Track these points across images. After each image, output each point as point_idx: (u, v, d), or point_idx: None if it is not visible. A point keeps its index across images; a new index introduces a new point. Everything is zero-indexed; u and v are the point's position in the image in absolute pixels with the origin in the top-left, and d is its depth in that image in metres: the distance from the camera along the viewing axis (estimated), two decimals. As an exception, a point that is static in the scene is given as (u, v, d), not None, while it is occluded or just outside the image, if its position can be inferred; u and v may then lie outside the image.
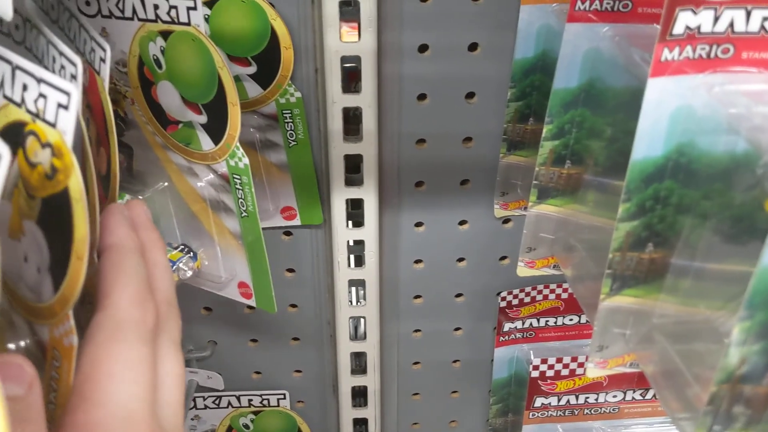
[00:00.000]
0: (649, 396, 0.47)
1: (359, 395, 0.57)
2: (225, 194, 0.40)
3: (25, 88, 0.22)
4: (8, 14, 0.19)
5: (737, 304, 0.28)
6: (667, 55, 0.26)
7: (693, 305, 0.31)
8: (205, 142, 0.38)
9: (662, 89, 0.27)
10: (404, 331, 0.55)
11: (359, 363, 0.56)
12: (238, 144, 0.38)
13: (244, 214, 0.40)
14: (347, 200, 0.48)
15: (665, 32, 0.26)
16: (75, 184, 0.21)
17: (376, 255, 0.50)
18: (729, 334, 0.27)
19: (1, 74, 0.22)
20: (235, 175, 0.39)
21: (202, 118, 0.38)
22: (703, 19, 0.26)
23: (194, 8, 0.34)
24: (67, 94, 0.21)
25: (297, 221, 0.50)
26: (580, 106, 0.37)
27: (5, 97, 0.22)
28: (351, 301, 0.52)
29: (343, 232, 0.49)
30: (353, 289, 0.53)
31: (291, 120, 0.46)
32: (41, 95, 0.21)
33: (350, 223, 0.50)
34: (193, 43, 0.35)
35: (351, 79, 0.45)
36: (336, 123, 0.45)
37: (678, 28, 0.26)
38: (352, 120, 0.46)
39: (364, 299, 0.52)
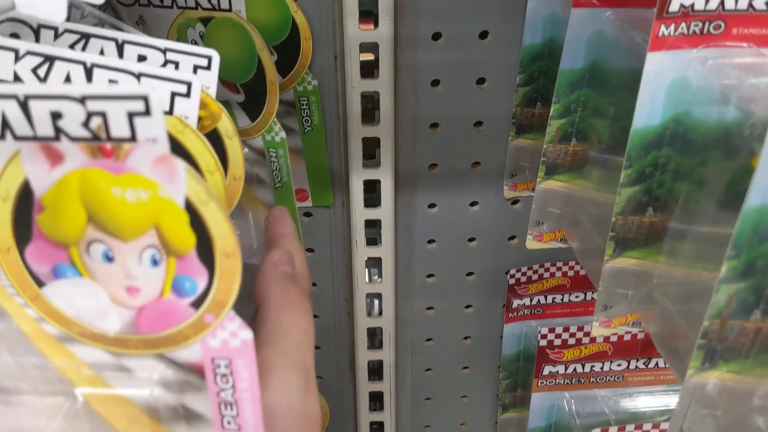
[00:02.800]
0: (651, 365, 0.49)
1: (375, 372, 0.60)
2: (259, 167, 0.43)
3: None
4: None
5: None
6: (664, 31, 0.29)
7: (690, 267, 0.33)
8: (242, 119, 0.41)
9: (659, 63, 0.30)
10: (418, 309, 0.58)
11: (374, 339, 0.59)
12: (275, 119, 0.40)
13: (278, 185, 0.43)
14: (364, 182, 0.51)
15: (662, 10, 0.28)
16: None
17: (392, 234, 0.53)
18: (713, 286, 0.30)
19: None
20: (270, 149, 0.41)
21: (240, 97, 0.41)
22: (696, -2, 0.28)
23: None
24: (208, 57, 0.25)
25: (309, 203, 0.53)
26: (585, 86, 0.40)
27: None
28: (368, 279, 0.55)
29: (362, 212, 0.51)
30: (368, 268, 0.56)
31: (307, 107, 0.49)
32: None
33: (365, 205, 0.52)
34: (233, 28, 0.38)
35: (366, 71, 0.47)
36: (355, 107, 0.48)
37: (673, 6, 0.28)
38: (366, 110, 0.49)
39: (380, 277, 0.55)
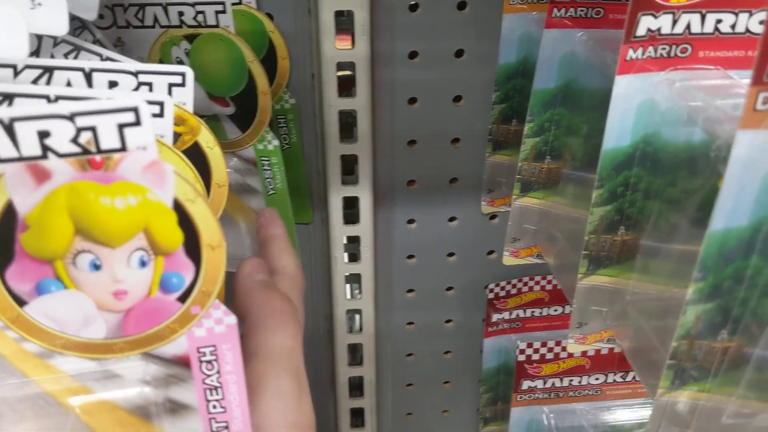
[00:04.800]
0: (629, 378, 0.50)
1: (355, 387, 0.60)
2: (250, 177, 0.43)
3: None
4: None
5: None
6: (632, 54, 0.30)
7: (662, 284, 0.34)
8: (231, 131, 0.42)
9: (628, 85, 0.30)
10: (398, 324, 0.58)
11: (355, 355, 0.59)
12: (267, 128, 0.41)
13: (272, 192, 0.43)
14: (343, 198, 0.51)
15: (629, 34, 0.29)
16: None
17: (371, 250, 0.53)
18: (681, 308, 0.30)
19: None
20: (263, 158, 0.42)
21: (229, 110, 0.41)
22: (663, 22, 0.29)
23: (223, 12, 0.37)
24: (182, 74, 0.26)
25: (287, 221, 0.53)
26: (558, 105, 0.41)
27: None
28: (347, 295, 0.55)
29: (340, 229, 0.52)
30: (348, 284, 0.56)
31: (285, 125, 0.49)
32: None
33: (344, 221, 0.53)
34: (221, 43, 0.39)
35: (343, 88, 0.48)
36: (333, 126, 0.48)
37: (641, 31, 0.29)
38: (344, 127, 0.49)
39: (361, 293, 0.55)
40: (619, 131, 0.31)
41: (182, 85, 0.27)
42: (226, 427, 0.26)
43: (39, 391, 0.25)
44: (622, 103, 0.31)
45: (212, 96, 0.44)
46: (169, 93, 0.29)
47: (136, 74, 0.27)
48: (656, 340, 0.33)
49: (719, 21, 0.30)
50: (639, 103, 0.31)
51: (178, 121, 0.28)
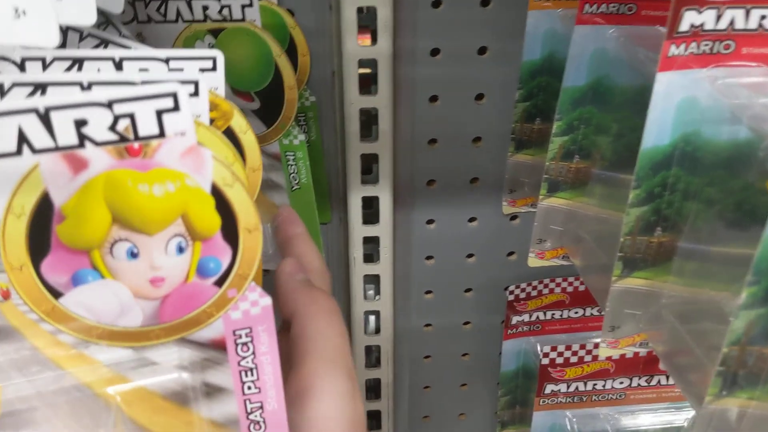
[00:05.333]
0: (654, 382, 0.49)
1: (372, 389, 0.59)
2: (274, 172, 0.43)
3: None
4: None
5: (741, 285, 0.30)
6: (674, 50, 0.29)
7: (699, 286, 0.33)
8: (256, 126, 0.41)
9: (669, 82, 0.29)
10: (416, 326, 0.57)
11: (372, 357, 0.58)
12: (293, 123, 0.41)
13: (296, 187, 0.43)
14: (362, 198, 0.50)
15: (672, 30, 0.28)
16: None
17: (390, 251, 0.52)
18: (733, 313, 0.29)
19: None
20: (288, 152, 0.41)
21: (254, 105, 0.41)
22: (707, 18, 0.28)
23: (250, 5, 0.37)
24: (213, 58, 0.26)
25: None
26: (587, 103, 0.40)
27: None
28: (365, 296, 0.54)
29: (359, 229, 0.51)
30: (366, 284, 0.55)
31: (305, 123, 0.48)
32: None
33: (363, 220, 0.52)
34: (247, 37, 0.38)
35: (363, 85, 0.47)
36: (353, 124, 0.47)
37: (683, 26, 0.28)
38: (364, 125, 0.48)
39: (378, 294, 0.54)
40: (658, 130, 0.30)
41: (213, 69, 0.27)
42: (261, 407, 0.26)
43: (75, 383, 0.24)
44: (662, 101, 0.30)
45: (236, 91, 0.44)
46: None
47: (166, 61, 0.27)
48: (694, 345, 0.32)
49: (763, 17, 0.29)
50: (679, 100, 0.30)
51: (211, 106, 0.28)
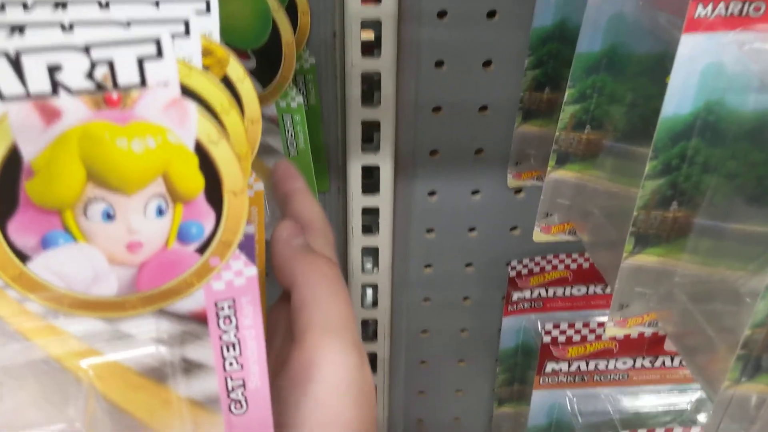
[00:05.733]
0: (658, 363, 0.47)
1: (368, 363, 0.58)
2: (270, 135, 0.41)
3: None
4: None
5: (759, 265, 0.29)
6: (701, 11, 0.27)
7: (715, 265, 0.31)
8: None
9: (694, 45, 0.27)
10: (414, 300, 0.56)
11: (368, 330, 0.56)
12: (291, 84, 0.38)
13: (293, 152, 0.41)
14: (362, 167, 0.48)
15: (700, -12, 0.26)
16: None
17: (390, 222, 0.50)
18: (750, 294, 0.28)
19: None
20: (285, 115, 0.39)
21: (250, 63, 0.39)
22: (738, -24, 0.26)
23: None
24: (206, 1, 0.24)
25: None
26: (602, 71, 0.38)
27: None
28: (363, 268, 0.53)
29: (359, 199, 0.49)
30: (363, 256, 0.53)
31: (304, 86, 0.46)
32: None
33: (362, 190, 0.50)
34: None
35: (366, 51, 0.45)
36: (354, 88, 0.45)
37: (713, -16, 0.26)
38: (365, 91, 0.46)
39: (377, 267, 0.53)
40: (679, 97, 0.28)
41: (207, 11, 0.25)
42: (243, 385, 0.24)
43: (43, 356, 0.22)
44: (685, 66, 0.28)
45: (232, 48, 0.42)
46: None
47: (156, 3, 0.25)
48: (707, 326, 0.31)
49: (798, -23, 0.27)
50: (704, 66, 0.28)
51: (204, 52, 0.26)
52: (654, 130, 0.29)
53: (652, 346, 0.47)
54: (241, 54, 0.42)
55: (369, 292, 0.55)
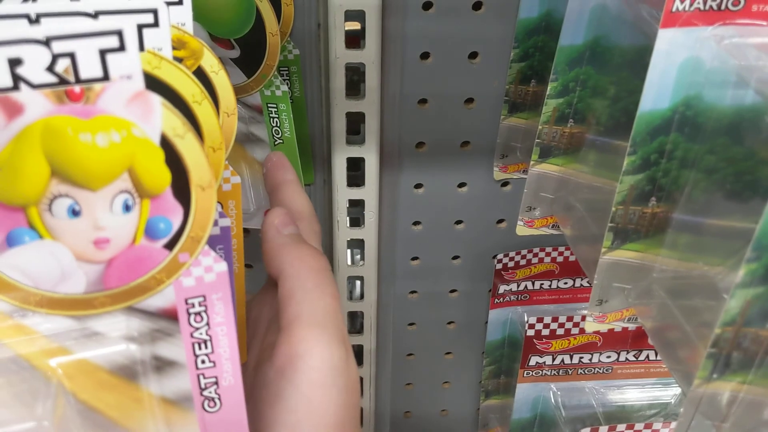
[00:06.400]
0: (642, 357, 0.47)
1: (355, 355, 0.58)
2: (255, 125, 0.41)
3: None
4: None
5: (737, 261, 0.28)
6: (678, 5, 0.26)
7: (693, 260, 0.31)
8: (235, 76, 0.39)
9: (672, 40, 0.27)
10: (400, 293, 0.56)
11: (355, 323, 0.56)
12: (276, 73, 0.38)
13: (279, 141, 0.41)
14: (347, 160, 0.48)
15: (677, -18, 0.26)
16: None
17: (376, 215, 0.50)
18: (727, 289, 0.28)
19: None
20: (270, 104, 0.39)
21: (234, 53, 0.38)
22: (716, -30, 0.26)
23: None
24: None
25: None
26: (585, 64, 0.37)
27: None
28: (349, 261, 0.53)
29: (344, 192, 0.49)
30: (349, 249, 0.53)
31: (288, 78, 0.46)
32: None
33: (348, 183, 0.50)
34: None
35: (350, 43, 0.44)
36: (339, 80, 0.45)
37: (690, -22, 0.26)
38: (350, 83, 0.46)
39: (363, 259, 0.52)
40: (657, 92, 0.28)
41: (179, 2, 0.24)
42: (216, 383, 0.24)
43: (11, 355, 0.22)
44: (663, 61, 0.27)
45: (215, 38, 0.41)
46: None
47: None
48: (685, 322, 0.31)
49: (777, -29, 0.26)
50: (682, 61, 0.28)
51: (178, 44, 0.26)
52: (635, 124, 0.29)
53: (636, 339, 0.47)
54: (225, 43, 0.42)
55: (355, 284, 0.55)
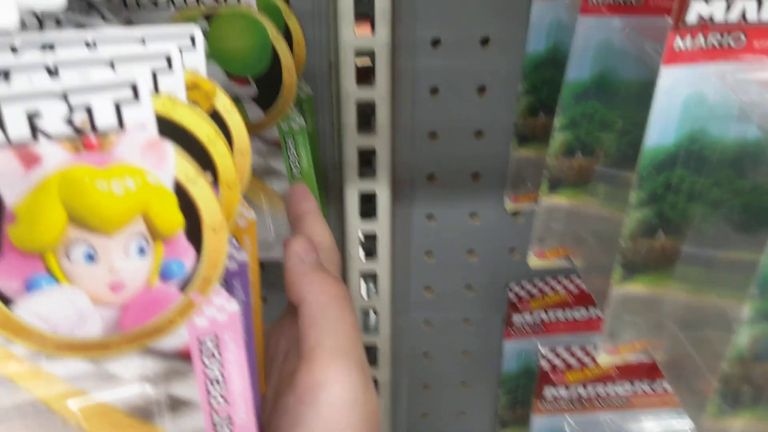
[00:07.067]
0: (658, 388, 0.47)
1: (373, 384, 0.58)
2: (273, 159, 0.42)
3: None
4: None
5: (746, 292, 0.29)
6: (680, 43, 0.27)
7: (703, 293, 0.31)
8: (253, 112, 0.40)
9: (675, 77, 0.28)
10: (414, 323, 0.56)
11: (370, 355, 0.56)
12: (292, 106, 0.40)
13: (297, 173, 0.42)
14: (359, 193, 0.49)
15: (678, 21, 0.26)
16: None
17: (388, 247, 0.51)
18: (739, 321, 0.28)
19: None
20: (287, 138, 0.40)
21: (251, 90, 0.39)
22: (716, 8, 0.26)
23: None
24: (191, 35, 0.24)
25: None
26: (591, 98, 0.38)
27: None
28: (362, 293, 0.53)
29: (356, 224, 0.49)
30: (363, 281, 0.54)
31: (301, 116, 0.47)
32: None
33: (361, 216, 0.50)
34: (243, 20, 0.37)
35: (361, 77, 0.45)
36: (350, 116, 0.46)
37: (691, 17, 0.26)
38: (362, 118, 0.47)
39: (376, 291, 0.53)
40: (662, 128, 0.29)
41: (192, 47, 0.25)
42: (230, 420, 0.24)
43: (29, 399, 0.23)
44: (666, 97, 0.28)
45: (232, 76, 0.43)
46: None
47: (142, 40, 0.25)
48: (697, 355, 0.31)
49: (777, 8, 0.27)
50: (685, 97, 0.28)
51: (191, 86, 0.27)
52: (644, 156, 0.29)
53: (651, 370, 0.47)
54: (242, 80, 0.43)
55: (369, 316, 0.55)
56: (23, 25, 0.30)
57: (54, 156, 0.20)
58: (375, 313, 0.54)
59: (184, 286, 0.23)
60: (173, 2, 0.38)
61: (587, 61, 0.37)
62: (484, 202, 0.51)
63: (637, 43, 0.35)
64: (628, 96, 0.36)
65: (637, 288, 0.32)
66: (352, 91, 0.45)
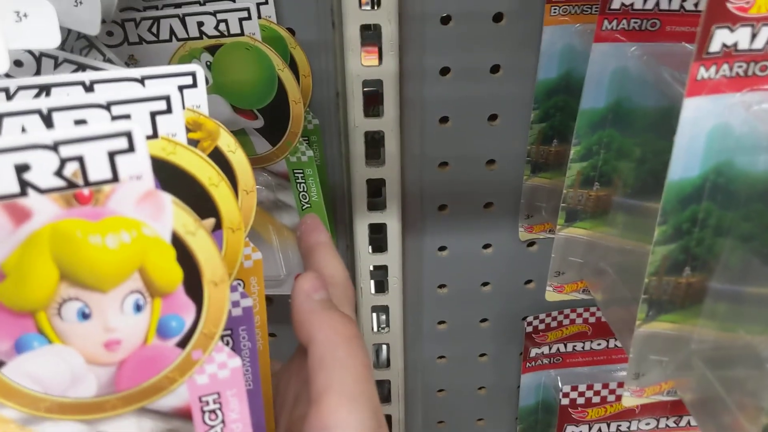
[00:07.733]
0: (683, 423, 0.45)
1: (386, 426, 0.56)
2: (282, 192, 0.41)
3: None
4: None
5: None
6: (704, 73, 0.26)
7: (732, 330, 0.30)
8: (260, 145, 0.39)
9: (698, 108, 0.26)
10: (428, 358, 0.54)
11: (382, 391, 0.55)
12: (300, 139, 0.39)
13: (306, 206, 0.41)
14: (369, 225, 0.47)
15: (701, 50, 0.25)
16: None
17: (399, 281, 0.49)
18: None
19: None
20: (296, 170, 0.39)
21: (257, 123, 0.39)
22: (740, 36, 0.25)
23: (248, 18, 0.35)
24: (192, 74, 0.23)
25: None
26: (608, 126, 0.37)
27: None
28: (374, 328, 0.52)
29: (366, 258, 0.48)
30: (374, 315, 0.52)
31: (308, 147, 0.46)
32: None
33: (371, 248, 0.49)
34: (247, 52, 0.36)
35: (369, 104, 0.44)
36: (358, 147, 0.44)
37: (714, 46, 0.25)
38: (370, 144, 0.46)
39: (388, 326, 0.51)
40: (686, 160, 0.27)
41: (194, 86, 0.24)
42: None
43: None
44: (690, 129, 0.27)
45: (238, 109, 0.42)
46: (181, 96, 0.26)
47: (141, 80, 0.24)
48: (726, 394, 0.29)
49: (805, 33, 0.26)
50: (710, 128, 0.27)
51: (194, 126, 0.26)
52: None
53: (675, 406, 0.45)
54: (248, 114, 0.42)
55: (381, 351, 0.53)
56: (19, 64, 0.30)
57: (44, 210, 0.19)
58: (387, 347, 0.52)
59: (184, 343, 0.21)
60: (175, 35, 0.38)
61: (602, 88, 0.36)
62: (497, 233, 0.50)
63: (654, 69, 0.34)
64: (647, 124, 0.35)
65: (663, 326, 0.31)
66: (359, 122, 0.44)
